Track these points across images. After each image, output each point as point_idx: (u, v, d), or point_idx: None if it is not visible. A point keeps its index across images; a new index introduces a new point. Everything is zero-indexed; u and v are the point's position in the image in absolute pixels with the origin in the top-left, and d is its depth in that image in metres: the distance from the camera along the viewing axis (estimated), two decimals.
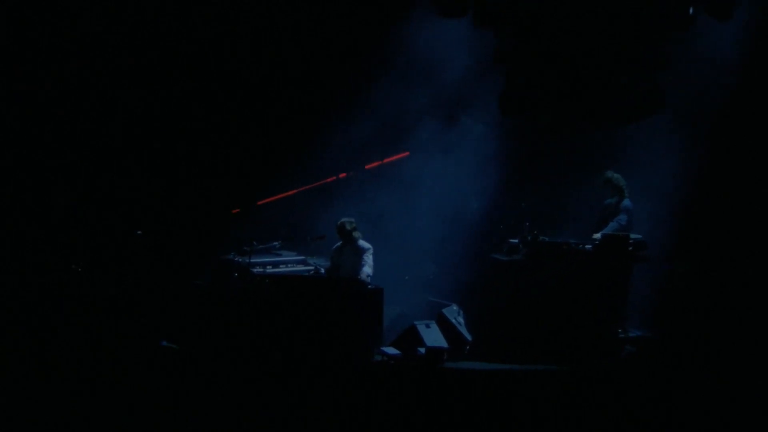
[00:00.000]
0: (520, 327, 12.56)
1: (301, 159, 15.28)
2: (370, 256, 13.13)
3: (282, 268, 13.70)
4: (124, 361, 11.19)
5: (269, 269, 13.59)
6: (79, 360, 11.09)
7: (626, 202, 13.06)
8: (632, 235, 12.68)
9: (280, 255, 14.02)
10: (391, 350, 12.24)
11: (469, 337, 12.82)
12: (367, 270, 12.99)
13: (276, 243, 13.84)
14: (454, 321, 12.84)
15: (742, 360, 11.52)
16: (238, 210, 15.30)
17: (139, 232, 13.42)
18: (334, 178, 15.52)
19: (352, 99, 14.83)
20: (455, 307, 13.20)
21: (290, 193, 15.45)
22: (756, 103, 13.37)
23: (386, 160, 15.36)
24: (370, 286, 12.57)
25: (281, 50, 15.07)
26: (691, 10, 12.01)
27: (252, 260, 13.10)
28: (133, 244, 13.35)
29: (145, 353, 11.72)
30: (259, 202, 15.43)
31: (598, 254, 12.59)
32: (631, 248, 12.58)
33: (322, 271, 13.42)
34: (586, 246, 12.73)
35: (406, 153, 15.22)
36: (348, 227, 13.19)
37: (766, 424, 9.92)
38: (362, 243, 13.22)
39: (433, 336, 12.35)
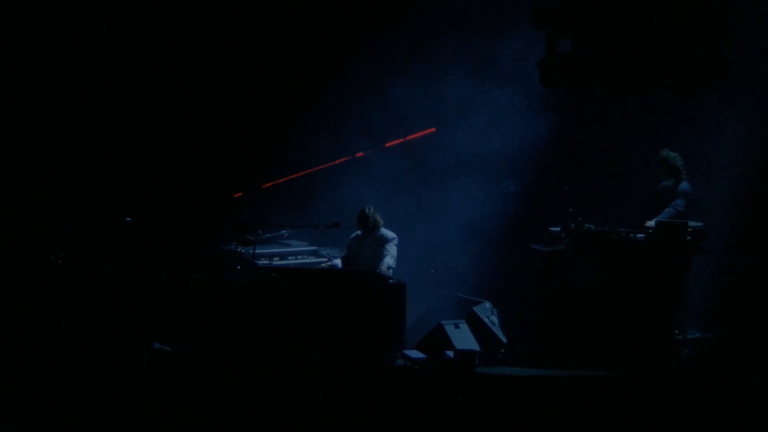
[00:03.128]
0: (563, 327, 12.54)
1: (312, 136, 15.33)
2: (395, 247, 13.12)
3: (291, 260, 13.83)
4: (112, 366, 11.14)
5: (276, 261, 13.70)
6: (58, 365, 11.12)
7: (684, 185, 12.97)
8: (691, 223, 12.61)
9: (288, 245, 14.17)
10: (416, 354, 12.15)
11: (504, 339, 12.78)
12: (389, 261, 12.98)
13: (284, 231, 14.06)
14: (486, 320, 12.82)
15: None
16: (240, 194, 15.37)
17: (128, 218, 13.38)
18: (350, 157, 15.52)
19: (371, 66, 14.99)
20: (488, 305, 13.19)
21: (300, 174, 15.53)
22: None
23: (409, 138, 15.39)
24: (391, 281, 12.51)
25: (290, 15, 15.13)
26: None
27: (257, 251, 13.06)
28: (121, 233, 13.32)
29: (136, 357, 11.60)
30: (265, 185, 15.52)
31: (651, 244, 12.50)
32: (689, 238, 12.50)
33: (337, 262, 13.41)
34: (639, 235, 12.64)
35: (432, 129, 15.23)
36: (371, 218, 13.11)
37: None
38: (386, 232, 13.18)
39: (463, 337, 12.29)
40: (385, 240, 13.11)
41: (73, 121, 14.80)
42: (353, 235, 13.36)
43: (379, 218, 13.13)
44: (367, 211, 13.11)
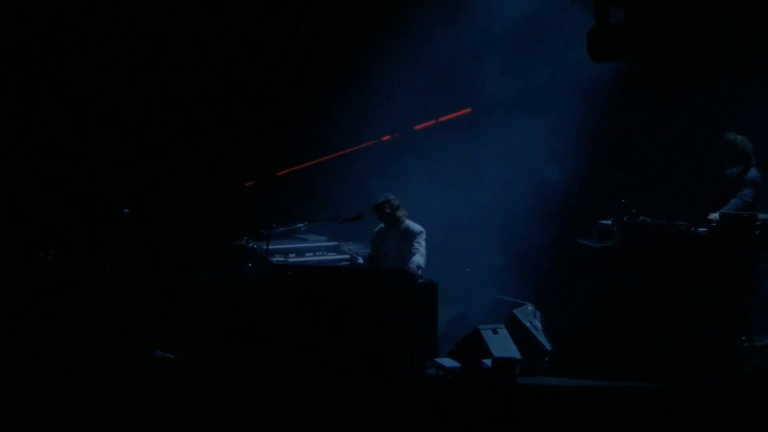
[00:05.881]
0: (615, 332, 12.44)
1: (332, 118, 15.36)
2: (423, 242, 13.05)
3: (309, 257, 13.83)
4: (109, 377, 11.20)
5: (292, 258, 13.68)
6: (49, 375, 11.14)
7: (752, 173, 12.79)
8: (760, 215, 12.45)
9: (306, 240, 14.14)
10: (449, 362, 12.12)
11: (548, 346, 12.78)
12: (418, 259, 12.92)
13: (301, 225, 13.95)
14: (528, 325, 12.83)
15: None
16: (252, 182, 15.32)
17: (126, 210, 13.38)
18: (376, 141, 15.57)
19: (397, 40, 14.98)
20: (530, 308, 13.20)
21: (319, 160, 15.58)
22: None
23: (442, 119, 15.35)
24: (421, 280, 12.51)
25: None
26: None
27: (271, 247, 13.12)
28: (119, 227, 13.32)
29: (137, 365, 11.63)
30: (280, 173, 15.56)
31: (715, 239, 12.38)
32: (758, 232, 12.33)
33: (360, 260, 13.44)
34: (700, 229, 12.51)
35: (468, 109, 15.16)
36: (388, 209, 13.10)
37: None
38: (411, 225, 13.16)
39: (502, 344, 12.26)
40: (412, 234, 13.08)
41: (64, 102, 14.92)
42: (376, 229, 13.38)
43: (397, 206, 13.14)
44: (382, 199, 13.13)
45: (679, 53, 12.67)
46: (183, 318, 12.43)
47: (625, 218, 12.74)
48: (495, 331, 12.34)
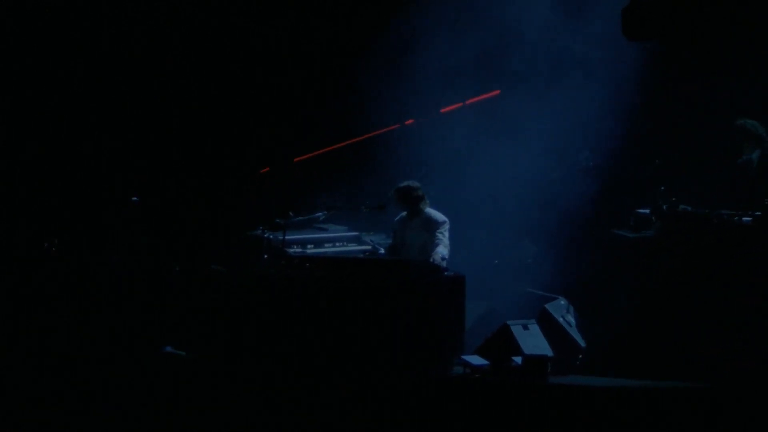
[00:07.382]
0: (653, 328, 12.43)
1: (353, 100, 15.35)
2: (446, 232, 13.00)
3: (328, 248, 13.91)
4: (116, 374, 11.20)
5: (311, 249, 13.75)
6: (51, 373, 11.14)
7: None
8: None
9: (325, 230, 14.21)
10: (476, 359, 11.99)
11: (582, 343, 12.70)
12: (443, 251, 12.86)
13: (320, 214, 14.00)
14: (561, 320, 12.72)
15: None
16: (268, 169, 15.23)
17: (135, 198, 13.38)
18: (398, 125, 15.52)
19: (422, 18, 14.89)
20: (563, 302, 13.10)
21: (338, 146, 15.54)
22: None
23: (469, 102, 15.29)
24: (447, 273, 12.41)
25: None
26: None
27: (288, 237, 13.15)
28: (127, 215, 13.33)
29: (145, 362, 11.63)
30: (297, 159, 15.56)
31: (760, 229, 12.31)
32: None
33: (382, 251, 13.38)
34: (744, 218, 12.48)
35: (497, 91, 15.09)
36: (414, 193, 13.02)
37: None
38: (434, 214, 13.10)
39: (533, 340, 12.18)
40: (434, 223, 13.01)
41: (69, 84, 14.87)
42: (398, 217, 13.33)
43: (420, 194, 13.04)
44: (403, 184, 13.08)
45: (720, 33, 12.50)
46: (194, 312, 12.36)
47: (664, 207, 12.81)
48: (525, 327, 12.29)
